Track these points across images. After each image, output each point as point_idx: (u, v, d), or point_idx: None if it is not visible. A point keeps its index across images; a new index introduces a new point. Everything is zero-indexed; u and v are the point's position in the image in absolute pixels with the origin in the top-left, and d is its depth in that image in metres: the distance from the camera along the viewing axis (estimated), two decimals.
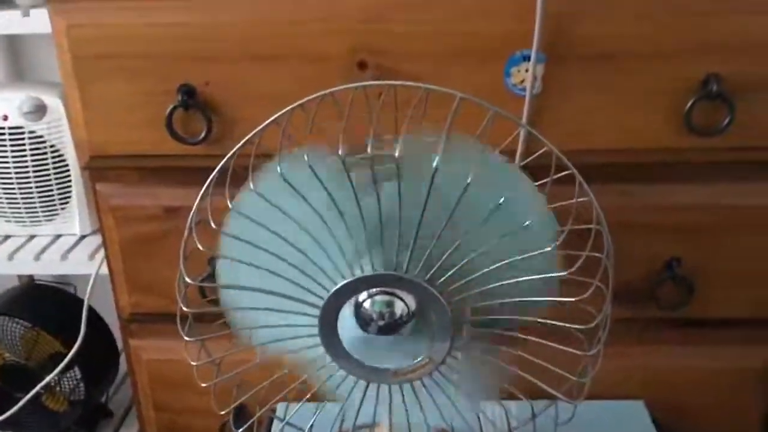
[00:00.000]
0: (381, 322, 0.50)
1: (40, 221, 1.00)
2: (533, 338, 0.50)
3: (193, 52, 0.68)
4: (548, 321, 0.49)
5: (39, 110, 0.93)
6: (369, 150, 0.46)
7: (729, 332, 0.78)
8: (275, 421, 0.71)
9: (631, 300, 0.75)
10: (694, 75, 0.66)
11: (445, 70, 0.67)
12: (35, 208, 0.98)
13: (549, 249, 0.47)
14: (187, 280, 0.52)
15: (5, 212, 0.99)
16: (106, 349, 1.08)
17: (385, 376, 0.52)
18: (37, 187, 0.97)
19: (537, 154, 0.53)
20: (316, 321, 0.51)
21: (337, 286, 0.49)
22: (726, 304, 0.77)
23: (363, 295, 0.50)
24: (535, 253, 0.47)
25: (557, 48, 0.66)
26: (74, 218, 0.99)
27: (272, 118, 0.49)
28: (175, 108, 0.69)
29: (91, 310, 1.01)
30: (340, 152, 0.45)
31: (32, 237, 1.01)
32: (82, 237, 1.00)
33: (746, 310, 0.77)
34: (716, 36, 0.65)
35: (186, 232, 0.52)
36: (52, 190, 0.97)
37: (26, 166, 0.95)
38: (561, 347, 0.50)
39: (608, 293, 0.51)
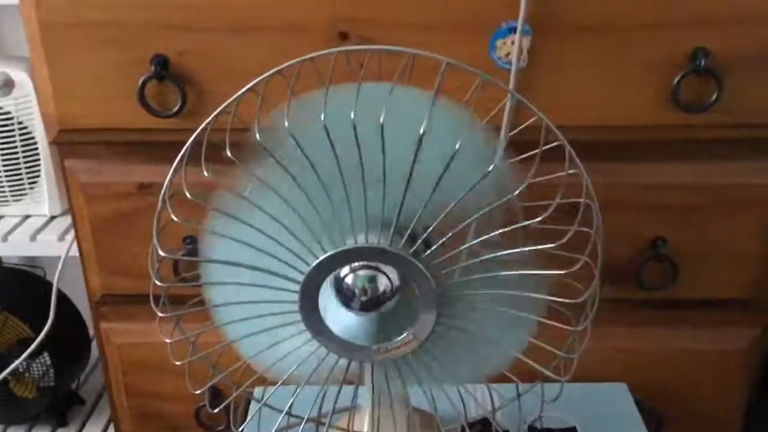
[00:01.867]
0: (363, 298, 0.48)
1: (8, 201, 0.96)
2: (520, 313, 0.48)
3: (167, 20, 0.65)
4: (538, 295, 0.48)
5: (6, 85, 0.90)
6: (352, 116, 0.43)
7: (713, 313, 0.78)
8: (252, 404, 0.69)
9: (615, 280, 0.74)
10: (682, 49, 0.65)
11: (428, 41, 0.65)
12: (2, 187, 0.95)
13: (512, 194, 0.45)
14: (161, 252, 0.49)
15: None
16: (76, 335, 1.05)
17: (367, 354, 0.50)
18: (4, 165, 0.93)
19: (525, 124, 0.51)
20: (296, 297, 0.49)
21: (319, 260, 0.47)
22: (710, 285, 0.76)
23: (345, 270, 0.48)
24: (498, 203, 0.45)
25: (544, 21, 0.64)
26: (43, 198, 0.96)
27: (249, 85, 0.47)
28: (148, 79, 0.66)
29: (60, 293, 0.98)
30: (322, 117, 0.43)
31: (0, 217, 0.97)
32: (52, 218, 0.97)
33: (730, 291, 0.76)
34: (704, 9, 0.63)
35: (159, 204, 0.49)
36: (20, 169, 0.94)
37: None
38: (548, 321, 0.48)
39: (597, 269, 0.49)
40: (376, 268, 0.48)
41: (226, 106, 0.48)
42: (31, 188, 0.95)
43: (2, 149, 0.92)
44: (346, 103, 0.43)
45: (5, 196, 0.96)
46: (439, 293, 0.48)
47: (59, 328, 0.97)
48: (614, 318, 0.77)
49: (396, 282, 0.48)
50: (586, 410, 0.74)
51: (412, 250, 0.47)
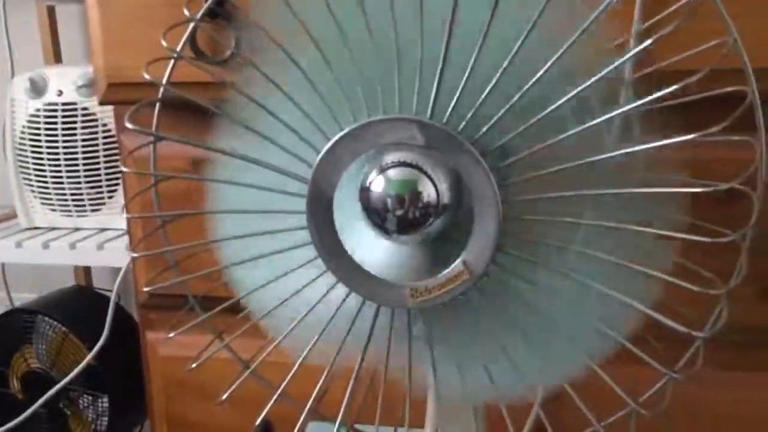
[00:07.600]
0: (399, 212, 0.34)
1: (86, 212, 0.90)
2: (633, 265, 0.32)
3: None
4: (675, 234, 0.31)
5: (92, 84, 0.86)
6: None
7: None
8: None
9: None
10: None
11: None
12: (81, 195, 0.89)
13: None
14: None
15: (51, 201, 0.90)
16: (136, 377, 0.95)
17: (400, 296, 0.35)
18: (85, 171, 0.88)
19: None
20: (303, 204, 0.35)
21: (332, 141, 0.34)
22: None
23: (372, 174, 0.34)
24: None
25: None
26: (121, 209, 0.89)
27: None
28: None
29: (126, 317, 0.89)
30: None
31: (76, 230, 0.91)
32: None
33: None
34: None
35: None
36: (100, 176, 0.88)
37: (75, 147, 0.87)
38: (675, 281, 0.32)
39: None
40: (416, 167, 0.34)
41: None
42: (110, 197, 0.89)
43: (84, 153, 0.87)
44: None
45: (83, 206, 0.90)
46: (502, 199, 0.33)
47: (115, 354, 0.88)
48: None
49: (445, 193, 0.34)
50: None
51: (461, 127, 0.32)
